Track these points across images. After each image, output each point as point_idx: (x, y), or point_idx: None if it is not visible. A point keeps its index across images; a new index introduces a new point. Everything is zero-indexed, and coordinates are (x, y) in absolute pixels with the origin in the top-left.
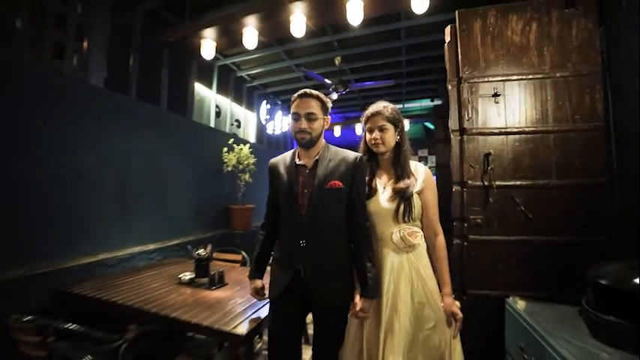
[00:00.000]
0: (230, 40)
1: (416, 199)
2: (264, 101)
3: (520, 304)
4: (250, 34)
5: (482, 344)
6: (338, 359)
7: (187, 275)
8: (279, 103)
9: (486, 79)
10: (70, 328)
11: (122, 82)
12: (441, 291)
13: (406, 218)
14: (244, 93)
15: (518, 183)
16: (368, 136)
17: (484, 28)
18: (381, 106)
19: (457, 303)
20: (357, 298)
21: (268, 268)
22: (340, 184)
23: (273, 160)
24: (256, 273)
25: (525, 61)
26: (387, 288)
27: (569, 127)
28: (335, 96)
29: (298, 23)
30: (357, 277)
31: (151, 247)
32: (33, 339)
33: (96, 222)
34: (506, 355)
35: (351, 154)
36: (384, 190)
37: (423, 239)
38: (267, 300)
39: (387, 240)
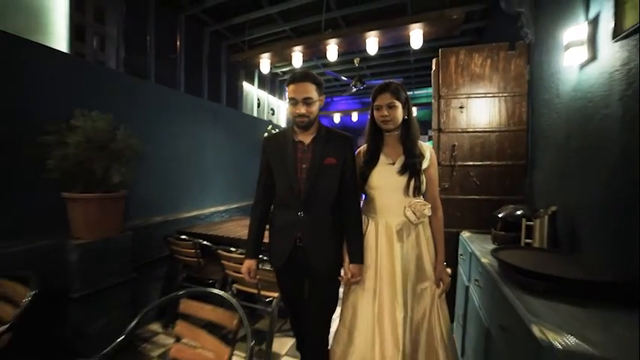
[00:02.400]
0: (281, 59)
1: (423, 175)
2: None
3: (466, 235)
4: (297, 56)
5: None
6: (330, 321)
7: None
8: None
9: (456, 96)
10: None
11: (197, 87)
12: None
13: (416, 192)
14: (277, 86)
15: (472, 163)
16: (376, 113)
17: (457, 62)
18: (387, 84)
19: (448, 270)
20: (347, 266)
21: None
22: (334, 160)
23: (268, 136)
24: (253, 253)
25: (481, 85)
26: (396, 253)
27: (506, 128)
28: (354, 89)
29: (332, 51)
30: (346, 245)
31: (221, 208)
32: (189, 250)
33: (188, 190)
34: (459, 260)
35: (343, 134)
36: (393, 164)
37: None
38: None
39: (393, 212)
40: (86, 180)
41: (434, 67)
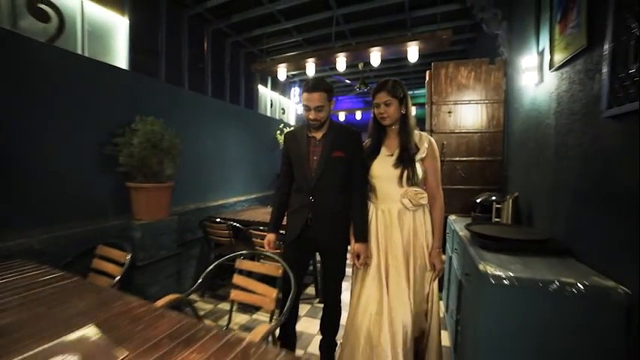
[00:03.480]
0: (296, 68)
1: (419, 166)
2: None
3: (452, 218)
4: (310, 66)
5: None
6: (341, 288)
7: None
8: None
9: (445, 103)
10: (237, 225)
11: (220, 91)
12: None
13: (409, 182)
14: (287, 87)
15: (458, 159)
16: (375, 110)
17: (446, 73)
18: (384, 82)
19: (443, 257)
20: (353, 245)
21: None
22: (342, 154)
23: (289, 132)
24: (273, 227)
25: (467, 93)
26: (399, 238)
27: (486, 130)
28: (358, 91)
29: (341, 62)
30: (353, 227)
31: (242, 198)
32: (223, 231)
33: (214, 182)
34: (446, 238)
35: (351, 131)
36: (391, 156)
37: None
38: None
39: (393, 200)
40: (144, 173)
41: (427, 78)
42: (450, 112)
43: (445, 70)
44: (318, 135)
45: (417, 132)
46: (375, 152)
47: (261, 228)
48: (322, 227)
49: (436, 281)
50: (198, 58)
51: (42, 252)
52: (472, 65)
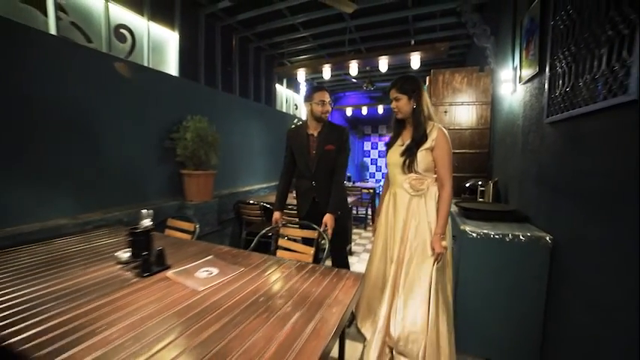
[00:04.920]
0: (313, 71)
1: (423, 155)
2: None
3: None
4: (326, 70)
5: None
6: (346, 251)
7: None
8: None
9: (442, 104)
10: (267, 205)
11: (245, 91)
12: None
13: (409, 170)
14: (299, 85)
15: (453, 151)
16: (391, 105)
17: (443, 79)
18: (396, 80)
19: (444, 243)
20: (326, 215)
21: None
22: (332, 147)
23: (291, 129)
24: (279, 206)
25: (459, 96)
26: (400, 219)
27: (476, 127)
28: (365, 89)
29: (353, 67)
30: (329, 201)
31: (264, 185)
32: (255, 211)
33: (242, 171)
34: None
35: (339, 127)
36: (402, 146)
37: (434, 186)
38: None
39: (399, 184)
40: (194, 162)
41: (427, 83)
42: (445, 112)
43: (442, 76)
44: (315, 132)
45: (431, 123)
46: (391, 143)
47: (290, 207)
48: (325, 203)
49: (446, 268)
50: (227, 61)
51: (128, 223)
52: (465, 72)
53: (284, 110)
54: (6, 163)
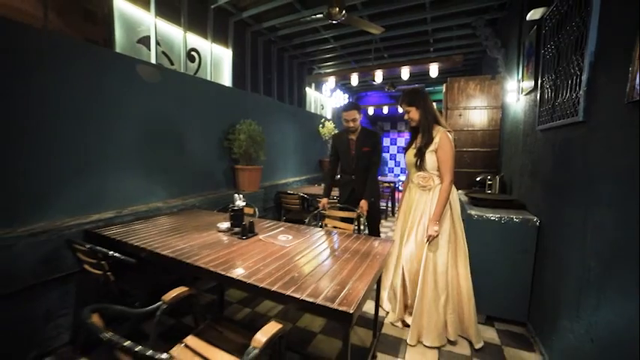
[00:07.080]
0: (342, 79)
1: (430, 156)
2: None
3: (460, 192)
4: (354, 78)
5: None
6: (378, 227)
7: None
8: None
9: (457, 108)
10: (305, 196)
11: (281, 94)
12: None
13: (419, 168)
14: (322, 84)
15: (466, 149)
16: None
17: (458, 86)
18: (403, 95)
19: (435, 228)
20: (362, 201)
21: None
22: (368, 149)
23: (336, 134)
24: (326, 194)
25: (473, 101)
26: (412, 209)
27: (487, 128)
28: (386, 90)
29: (378, 75)
30: (365, 191)
31: (297, 179)
32: (295, 201)
33: (279, 166)
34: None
35: (373, 132)
36: (415, 149)
37: (440, 183)
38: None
39: (413, 180)
40: (246, 159)
41: (444, 90)
42: (460, 115)
43: (457, 83)
44: (354, 137)
45: (438, 127)
46: (408, 146)
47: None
48: (361, 192)
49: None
50: (267, 69)
51: (200, 208)
52: (478, 80)
53: (312, 110)
54: (129, 164)
